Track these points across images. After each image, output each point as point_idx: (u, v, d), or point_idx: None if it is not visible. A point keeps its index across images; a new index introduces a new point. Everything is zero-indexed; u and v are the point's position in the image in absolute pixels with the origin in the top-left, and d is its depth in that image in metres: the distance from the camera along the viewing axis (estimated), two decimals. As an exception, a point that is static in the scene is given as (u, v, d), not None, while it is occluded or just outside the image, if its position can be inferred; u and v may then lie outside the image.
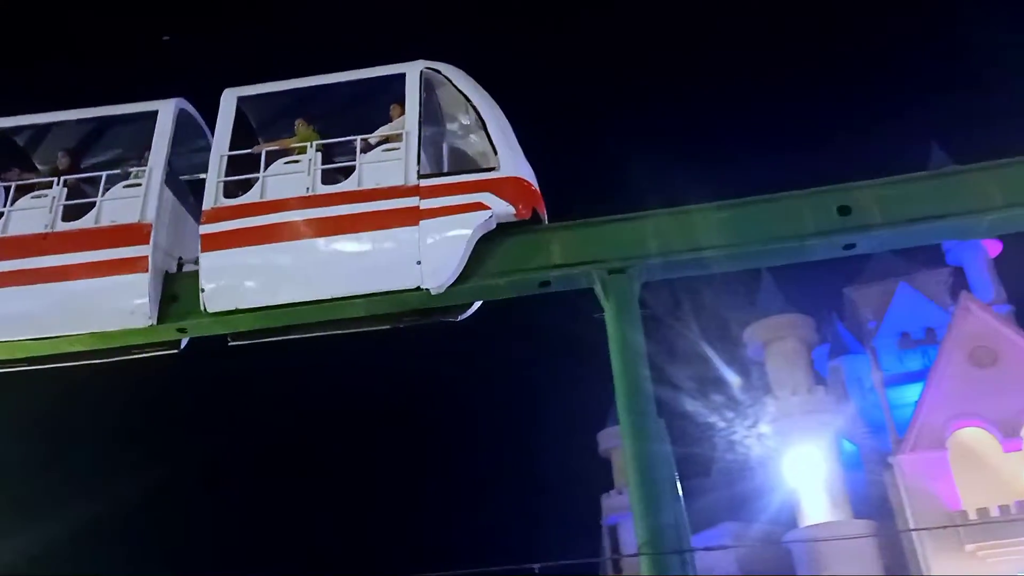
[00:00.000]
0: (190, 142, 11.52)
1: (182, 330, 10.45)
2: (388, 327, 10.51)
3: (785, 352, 46.65)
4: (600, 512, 57.34)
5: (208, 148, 10.83)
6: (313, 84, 11.04)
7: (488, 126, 10.32)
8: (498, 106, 10.64)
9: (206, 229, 10.16)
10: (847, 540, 38.61)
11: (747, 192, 10.44)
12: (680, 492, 9.22)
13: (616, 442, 49.10)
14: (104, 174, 10.85)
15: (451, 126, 11.12)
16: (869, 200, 10.01)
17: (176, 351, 10.79)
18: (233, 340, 10.52)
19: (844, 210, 9.96)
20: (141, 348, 10.63)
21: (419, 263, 9.70)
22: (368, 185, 10.06)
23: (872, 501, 43.05)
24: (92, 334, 10.24)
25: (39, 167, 11.83)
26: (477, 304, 10.61)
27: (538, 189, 10.57)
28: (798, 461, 43.73)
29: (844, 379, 48.61)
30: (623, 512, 50.55)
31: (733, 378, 50.31)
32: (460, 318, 10.60)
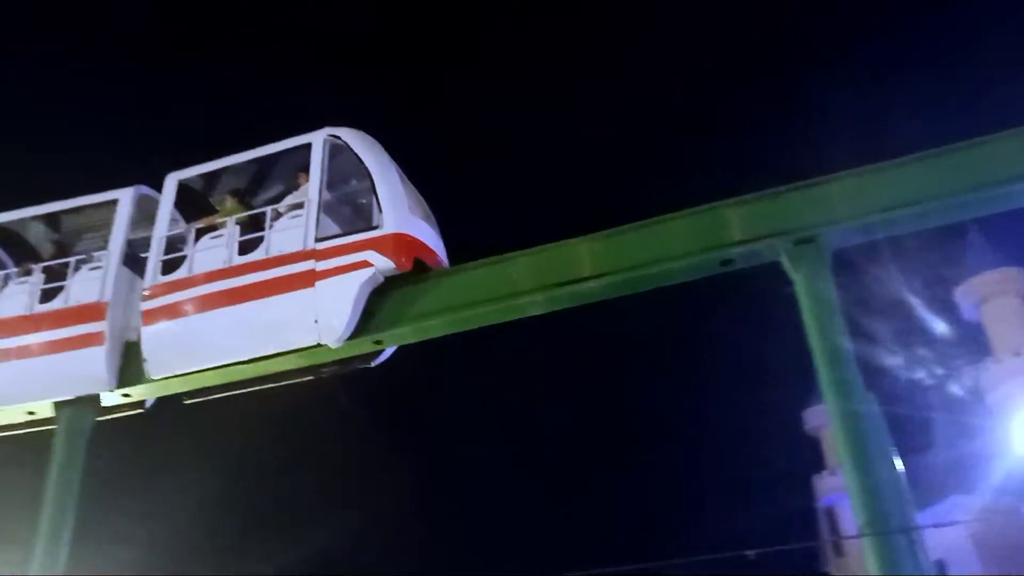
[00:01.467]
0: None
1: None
2: (312, 377, 11.41)
3: (1004, 310, 43.16)
4: (813, 494, 55.10)
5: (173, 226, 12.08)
6: (242, 160, 12.10)
7: (377, 186, 10.95)
8: (393, 166, 11.27)
9: (145, 306, 11.44)
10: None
11: (935, 143, 9.69)
12: (900, 466, 8.65)
13: (824, 420, 47.04)
14: (73, 259, 12.34)
15: (351, 188, 11.75)
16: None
17: (142, 410, 12.08)
18: (187, 399, 11.76)
19: (1054, 146, 9.05)
20: (109, 410, 11.93)
21: (316, 321, 10.55)
22: (274, 253, 10.98)
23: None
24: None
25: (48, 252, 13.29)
26: (392, 348, 11.32)
27: (425, 240, 11.14)
28: (1030, 426, 40.21)
29: (1076, 332, 44.19)
30: (838, 493, 48.31)
31: (948, 341, 46.94)
32: (374, 363, 11.36)
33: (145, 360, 11.32)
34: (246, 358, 10.99)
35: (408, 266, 10.78)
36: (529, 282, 10.49)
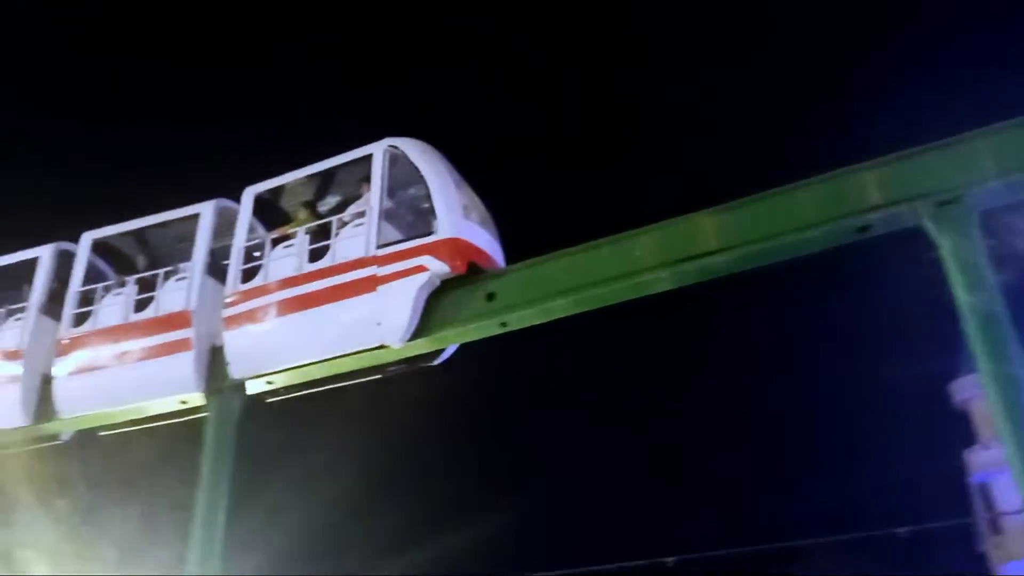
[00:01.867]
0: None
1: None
2: (380, 376, 11.96)
3: None
4: (965, 470, 52.45)
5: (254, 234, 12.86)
6: (310, 172, 12.75)
7: (432, 193, 11.36)
8: (448, 173, 11.65)
9: (226, 312, 12.23)
10: None
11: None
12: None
13: (975, 392, 44.60)
14: (162, 271, 13.15)
15: (410, 195, 12.14)
16: None
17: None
18: (268, 397, 12.41)
19: None
20: (199, 410, 12.61)
21: (379, 324, 11.08)
22: (339, 259, 11.60)
23: None
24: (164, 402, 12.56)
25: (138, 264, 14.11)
26: (454, 347, 11.77)
27: (479, 244, 11.49)
28: None
29: None
30: (993, 468, 45.76)
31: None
32: (437, 361, 11.90)
33: (228, 363, 12.08)
34: (318, 359, 11.63)
35: (462, 269, 11.18)
36: (654, 258, 10.33)
